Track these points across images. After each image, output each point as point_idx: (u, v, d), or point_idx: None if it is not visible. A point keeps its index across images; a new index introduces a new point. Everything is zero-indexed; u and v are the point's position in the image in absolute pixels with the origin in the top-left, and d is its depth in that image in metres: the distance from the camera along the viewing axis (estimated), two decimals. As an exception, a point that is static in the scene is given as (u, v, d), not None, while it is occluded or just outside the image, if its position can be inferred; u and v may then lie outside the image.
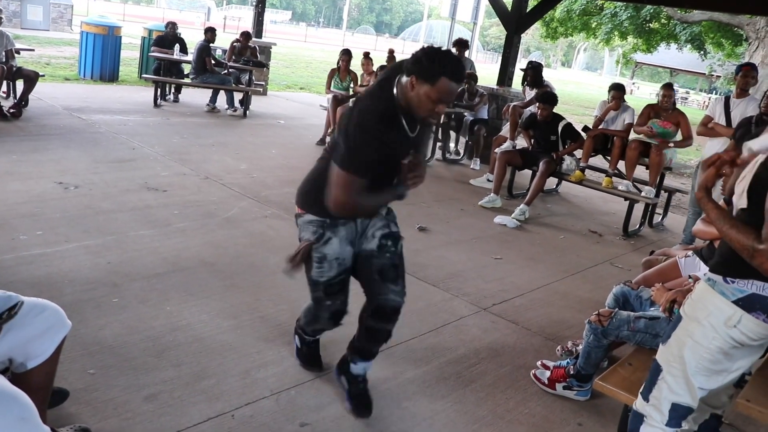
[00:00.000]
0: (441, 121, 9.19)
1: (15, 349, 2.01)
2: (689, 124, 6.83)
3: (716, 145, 5.76)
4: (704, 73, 25.49)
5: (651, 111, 6.94)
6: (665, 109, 6.82)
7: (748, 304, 1.92)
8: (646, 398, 2.19)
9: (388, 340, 2.89)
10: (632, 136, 7.23)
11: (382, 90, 2.54)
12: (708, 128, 6.02)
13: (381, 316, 2.75)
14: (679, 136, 6.84)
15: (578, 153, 7.39)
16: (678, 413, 2.08)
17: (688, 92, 42.40)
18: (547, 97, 7.19)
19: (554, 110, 7.10)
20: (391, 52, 10.89)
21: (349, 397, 2.93)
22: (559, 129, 7.09)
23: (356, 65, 9.69)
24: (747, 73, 5.94)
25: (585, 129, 7.51)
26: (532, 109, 7.94)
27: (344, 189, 2.48)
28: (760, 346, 2.02)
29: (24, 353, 2.04)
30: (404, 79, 2.45)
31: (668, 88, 7.00)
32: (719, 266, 2.02)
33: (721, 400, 2.28)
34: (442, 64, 2.36)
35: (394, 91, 2.50)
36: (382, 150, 2.46)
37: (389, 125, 2.48)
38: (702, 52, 20.18)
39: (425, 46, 2.44)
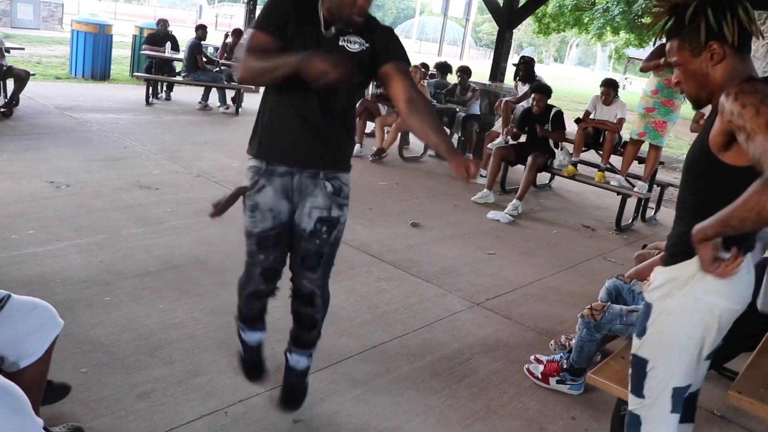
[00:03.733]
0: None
1: (6, 346, 2.00)
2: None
3: None
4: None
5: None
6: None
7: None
8: (640, 395, 2.07)
9: (313, 329, 2.71)
10: (628, 132, 7.25)
11: None
12: (699, 124, 6.10)
13: (299, 299, 2.66)
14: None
15: (570, 147, 7.40)
16: (680, 395, 2.04)
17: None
18: (543, 88, 7.19)
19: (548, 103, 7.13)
20: None
21: (281, 386, 2.81)
22: (551, 117, 7.10)
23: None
24: None
25: (577, 121, 7.51)
26: (525, 104, 7.95)
27: (243, 49, 2.32)
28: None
29: (16, 352, 2.03)
30: None
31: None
32: (669, 259, 1.98)
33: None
34: None
35: None
36: (291, 21, 2.28)
37: (303, 9, 2.32)
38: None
39: None
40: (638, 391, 2.07)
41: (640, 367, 2.04)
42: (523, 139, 7.53)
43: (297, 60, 2.16)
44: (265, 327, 2.91)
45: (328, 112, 2.42)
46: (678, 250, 1.90)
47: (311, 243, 2.53)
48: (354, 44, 2.37)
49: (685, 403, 2.08)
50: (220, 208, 2.54)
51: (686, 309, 1.91)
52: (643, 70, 7.05)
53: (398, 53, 2.45)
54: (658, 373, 2.00)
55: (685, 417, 2.14)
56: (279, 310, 2.93)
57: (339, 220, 2.54)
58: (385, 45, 2.42)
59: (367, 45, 2.38)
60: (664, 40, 1.90)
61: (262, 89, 2.60)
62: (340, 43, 2.35)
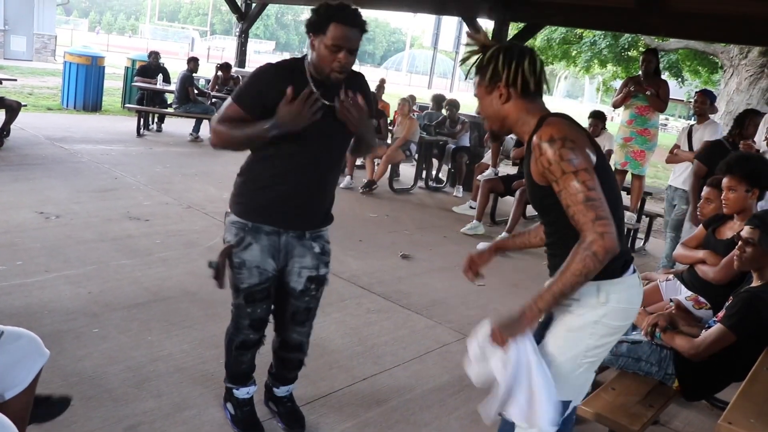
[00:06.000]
0: (423, 149, 9.27)
1: (-9, 378, 1.98)
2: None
3: (681, 170, 6.11)
4: (683, 100, 25.92)
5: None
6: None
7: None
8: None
9: (299, 368, 2.93)
10: (613, 161, 7.33)
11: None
12: (674, 155, 6.23)
13: (286, 348, 2.83)
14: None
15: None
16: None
17: (667, 119, 42.98)
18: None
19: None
20: (382, 81, 10.95)
21: (280, 418, 2.94)
22: None
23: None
24: (698, 99, 6.23)
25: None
26: (514, 136, 8.01)
27: (217, 116, 2.46)
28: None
29: (1, 383, 2.01)
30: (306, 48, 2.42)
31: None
32: None
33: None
34: (330, 11, 2.32)
35: (305, 57, 2.47)
36: (269, 95, 2.38)
37: (286, 75, 2.42)
38: (680, 80, 20.53)
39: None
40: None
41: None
42: (514, 170, 7.58)
43: (269, 128, 2.35)
44: (255, 382, 2.92)
45: (317, 176, 2.55)
46: None
47: (301, 301, 2.69)
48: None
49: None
50: (221, 276, 2.56)
51: (584, 330, 2.04)
52: (615, 106, 7.27)
53: (372, 109, 2.68)
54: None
55: None
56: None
57: (326, 277, 2.72)
58: (368, 106, 2.57)
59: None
60: (472, 77, 2.10)
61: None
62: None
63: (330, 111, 2.44)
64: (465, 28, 11.29)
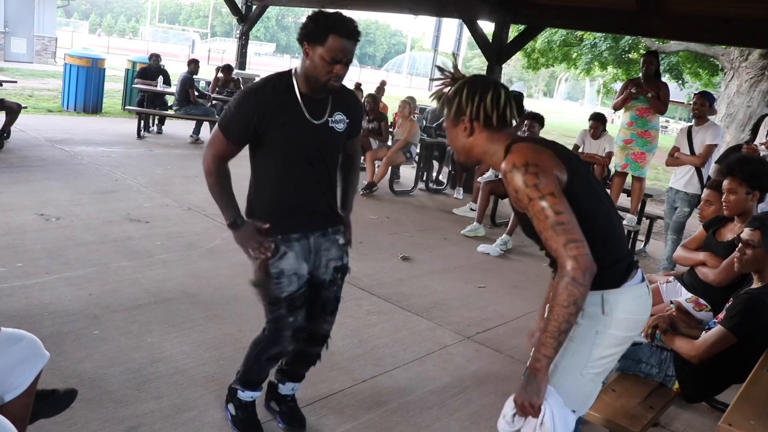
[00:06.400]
0: (424, 151, 9.27)
1: (-9, 380, 1.98)
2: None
3: (682, 172, 6.12)
4: (683, 102, 25.93)
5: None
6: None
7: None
8: None
9: (315, 364, 2.94)
10: (613, 164, 7.34)
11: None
12: (674, 158, 6.22)
13: (313, 342, 2.83)
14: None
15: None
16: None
17: (668, 121, 42.98)
18: (536, 115, 7.24)
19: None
20: (382, 83, 10.96)
21: (281, 417, 2.95)
22: None
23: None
24: (697, 101, 6.22)
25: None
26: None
27: (209, 146, 2.55)
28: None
29: (1, 386, 2.01)
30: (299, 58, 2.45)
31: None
32: None
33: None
34: (329, 22, 2.32)
35: (293, 70, 2.50)
36: (255, 122, 2.43)
37: (271, 97, 2.44)
38: (680, 82, 20.54)
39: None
40: None
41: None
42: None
43: (228, 225, 2.61)
44: (262, 387, 2.93)
45: (323, 180, 2.63)
46: None
47: (330, 290, 2.75)
48: (339, 123, 2.58)
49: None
50: (267, 288, 2.61)
51: (587, 340, 2.00)
52: (615, 108, 7.25)
53: (360, 122, 2.80)
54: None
55: None
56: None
57: (348, 265, 2.82)
58: (356, 122, 2.70)
59: (348, 121, 2.61)
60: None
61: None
62: (330, 125, 2.55)
63: (316, 127, 2.50)
64: (465, 30, 11.30)
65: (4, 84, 9.71)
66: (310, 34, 2.35)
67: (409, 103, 9.12)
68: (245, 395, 2.85)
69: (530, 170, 1.83)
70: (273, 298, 2.61)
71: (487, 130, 1.98)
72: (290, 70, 2.52)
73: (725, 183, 3.50)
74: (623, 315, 1.99)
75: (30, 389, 2.08)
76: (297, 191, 2.58)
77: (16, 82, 11.26)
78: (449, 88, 2.04)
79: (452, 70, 2.06)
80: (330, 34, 2.31)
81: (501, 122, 1.98)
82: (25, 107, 9.06)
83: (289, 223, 2.59)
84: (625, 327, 2.01)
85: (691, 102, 6.41)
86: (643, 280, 2.07)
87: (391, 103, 10.61)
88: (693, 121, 6.36)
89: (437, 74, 2.11)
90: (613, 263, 1.97)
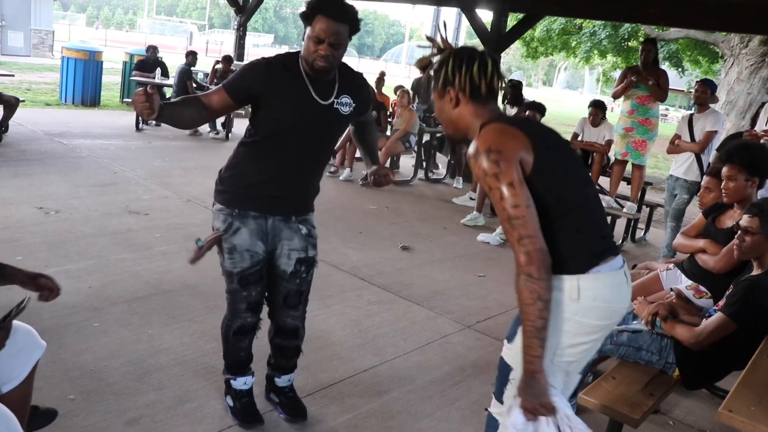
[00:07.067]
0: (423, 141, 9.26)
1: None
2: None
3: (682, 160, 6.13)
4: (683, 90, 25.86)
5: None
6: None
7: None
8: (500, 400, 2.01)
9: (297, 356, 2.95)
10: (613, 152, 7.32)
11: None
12: (675, 146, 6.21)
13: (282, 335, 2.85)
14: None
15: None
16: None
17: (667, 109, 42.88)
18: (537, 105, 7.22)
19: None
20: (382, 74, 10.91)
21: (281, 408, 2.95)
22: None
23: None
24: (698, 89, 6.20)
25: (565, 142, 7.57)
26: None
27: (211, 91, 2.56)
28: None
29: (-2, 377, 2.01)
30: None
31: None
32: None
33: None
34: (318, 4, 2.36)
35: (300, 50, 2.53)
36: (257, 90, 2.47)
37: (278, 71, 2.48)
38: (680, 70, 20.48)
39: None
40: (499, 396, 2.02)
41: (504, 372, 2.00)
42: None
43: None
44: (253, 373, 2.93)
45: (306, 167, 2.64)
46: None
47: (292, 283, 2.73)
48: (345, 107, 2.59)
49: None
50: (202, 252, 2.68)
51: (554, 326, 1.86)
52: (615, 96, 7.21)
53: (368, 106, 2.80)
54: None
55: None
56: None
57: (315, 259, 2.78)
58: (363, 105, 2.70)
59: (354, 105, 2.62)
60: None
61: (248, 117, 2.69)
62: (335, 106, 2.56)
63: (318, 109, 2.51)
64: (464, 19, 11.25)
65: (1, 78, 9.68)
66: (303, 15, 2.41)
67: (407, 91, 9.10)
68: (238, 383, 2.86)
69: (491, 157, 1.79)
70: (226, 272, 2.68)
71: (473, 103, 1.95)
72: (299, 51, 2.54)
73: (724, 170, 3.49)
74: (595, 303, 1.89)
75: (28, 379, 2.08)
76: (272, 172, 2.59)
77: (13, 75, 11.24)
78: (436, 57, 2.01)
79: (439, 41, 2.02)
80: (317, 14, 2.35)
81: (489, 92, 1.95)
82: (23, 101, 9.03)
83: (249, 199, 2.61)
84: (597, 315, 1.91)
85: (692, 90, 6.38)
86: (622, 267, 1.99)
87: (391, 93, 10.56)
88: (694, 108, 6.34)
89: (424, 43, 2.08)
90: (583, 246, 1.90)
